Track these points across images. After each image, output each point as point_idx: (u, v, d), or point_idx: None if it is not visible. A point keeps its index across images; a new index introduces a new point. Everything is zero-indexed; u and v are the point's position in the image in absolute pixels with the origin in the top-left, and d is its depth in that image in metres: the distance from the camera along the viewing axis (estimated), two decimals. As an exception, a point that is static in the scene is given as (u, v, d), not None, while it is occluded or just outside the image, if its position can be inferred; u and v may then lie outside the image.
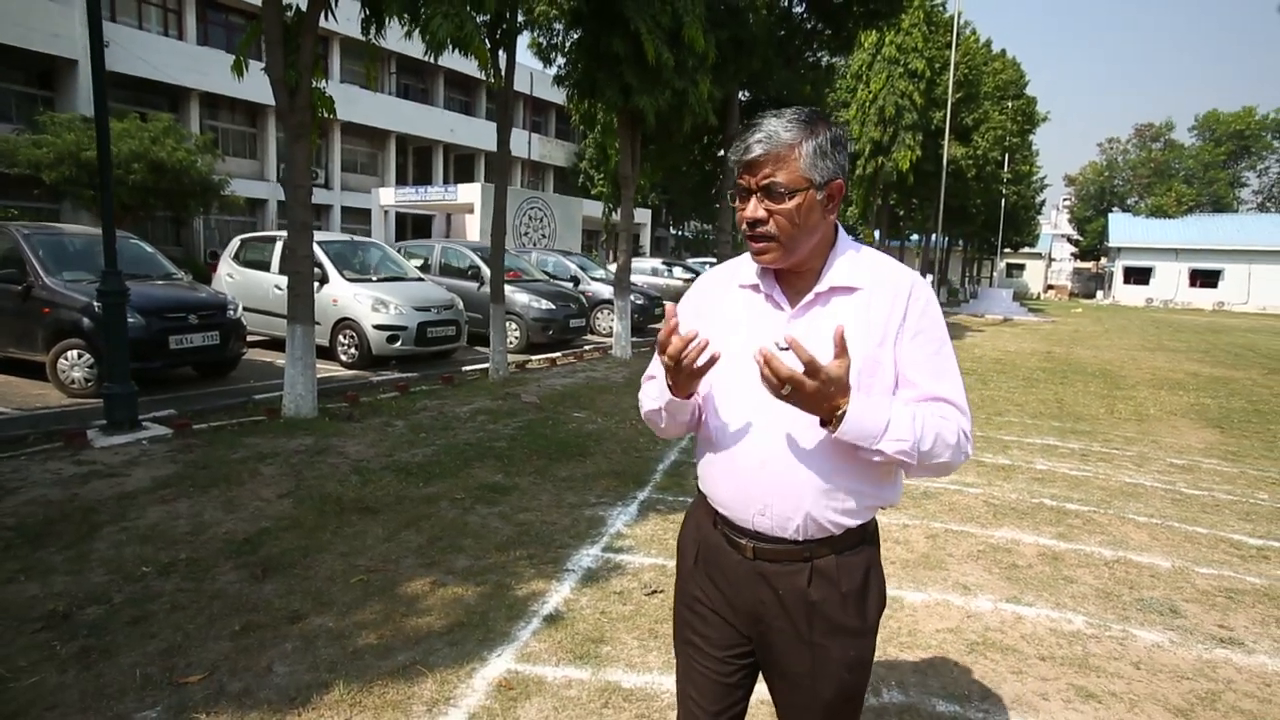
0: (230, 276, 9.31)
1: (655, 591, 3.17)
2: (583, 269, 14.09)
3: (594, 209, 26.49)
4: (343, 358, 8.61)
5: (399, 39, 6.38)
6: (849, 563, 1.31)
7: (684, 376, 1.24)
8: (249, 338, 7.86)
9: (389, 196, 23.86)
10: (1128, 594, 3.34)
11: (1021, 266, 57.99)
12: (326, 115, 5.86)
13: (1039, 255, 57.66)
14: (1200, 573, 3.62)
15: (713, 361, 1.23)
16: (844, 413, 1.16)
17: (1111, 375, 11.14)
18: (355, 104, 23.64)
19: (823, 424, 1.19)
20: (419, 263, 11.16)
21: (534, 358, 9.70)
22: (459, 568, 3.34)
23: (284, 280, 8.67)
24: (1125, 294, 45.92)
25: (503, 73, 7.60)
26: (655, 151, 10.97)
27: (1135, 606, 3.22)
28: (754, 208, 1.25)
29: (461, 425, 5.91)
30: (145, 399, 5.62)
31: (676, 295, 16.96)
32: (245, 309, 7.97)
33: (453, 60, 5.45)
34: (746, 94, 12.94)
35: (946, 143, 21.22)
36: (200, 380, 7.44)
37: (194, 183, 17.03)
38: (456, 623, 2.85)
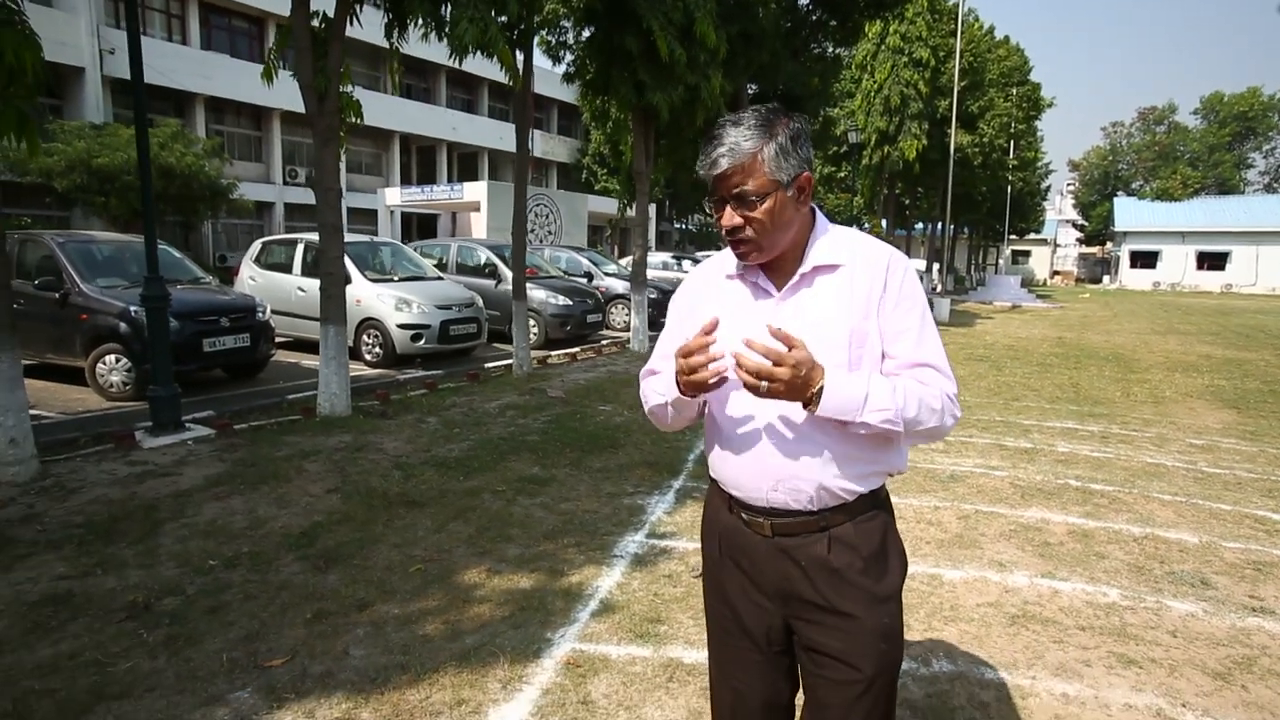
0: (253, 279, 9.45)
1: (702, 574, 3.29)
2: (595, 264, 14.21)
3: (598, 204, 26.57)
4: (367, 357, 8.75)
5: (398, 37, 6.37)
6: (865, 528, 1.37)
7: (693, 386, 1.30)
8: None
9: (395, 196, 23.98)
10: (1159, 568, 3.45)
11: (1027, 253, 57.87)
12: (354, 119, 5.97)
13: (1044, 241, 57.52)
14: (1228, 547, 3.73)
15: (722, 381, 1.28)
16: (820, 389, 1.22)
17: (1124, 359, 11.21)
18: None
19: (805, 406, 1.25)
20: (434, 262, 11.28)
21: (554, 353, 9.83)
22: (510, 556, 3.47)
23: (306, 282, 8.86)
24: (1132, 278, 45.80)
25: (520, 73, 7.68)
26: (667, 146, 11.06)
27: (1167, 579, 3.33)
28: (729, 216, 1.30)
29: (493, 420, 6.04)
30: (183, 401, 5.76)
31: (687, 289, 17.05)
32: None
33: (453, 59, 5.53)
34: (755, 87, 13.00)
35: (953, 131, 21.19)
36: (230, 382, 7.58)
37: (203, 187, 17.18)
38: (516, 608, 2.98)
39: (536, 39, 10.15)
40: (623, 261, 16.16)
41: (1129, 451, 5.60)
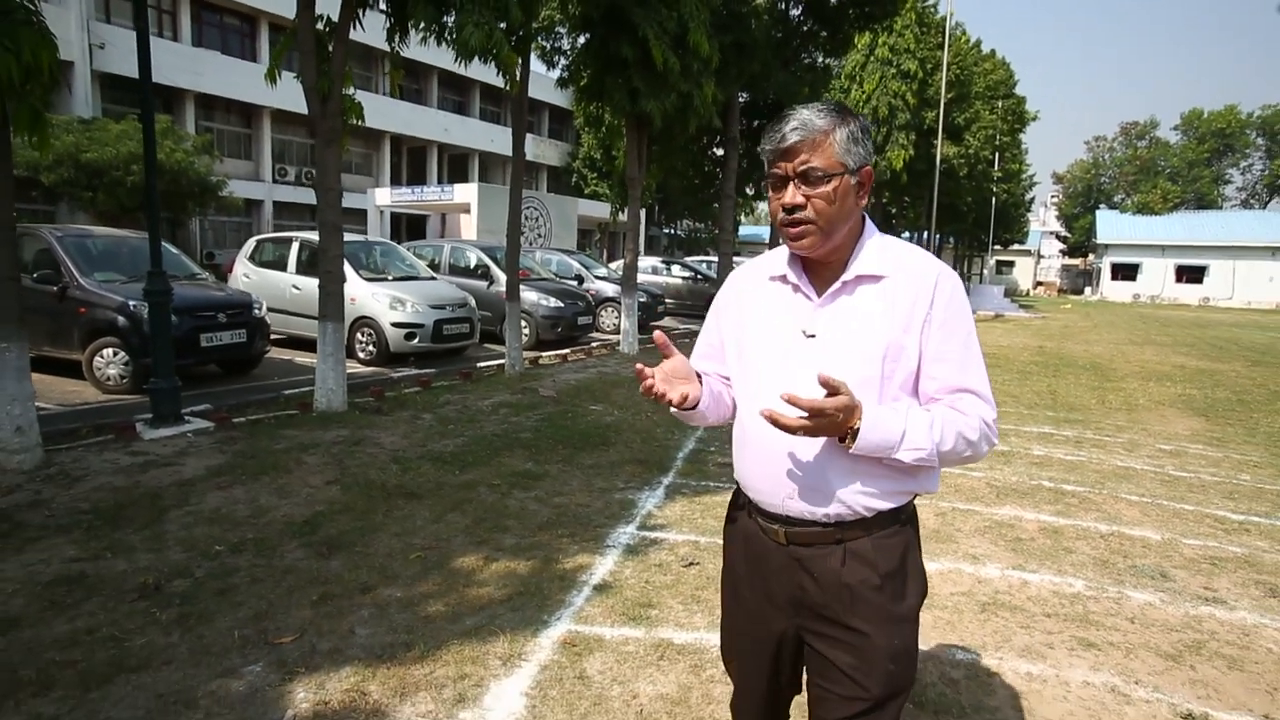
0: (247, 277, 9.52)
1: (692, 563, 3.44)
2: (585, 267, 14.36)
3: (588, 208, 26.71)
4: (361, 355, 8.84)
5: (399, 41, 6.46)
6: (885, 544, 1.33)
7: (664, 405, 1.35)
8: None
9: (385, 197, 23.97)
10: (1122, 562, 3.65)
11: (1011, 263, 58.62)
12: (356, 121, 6.10)
13: (1028, 252, 58.31)
14: (1187, 544, 3.94)
15: (684, 399, 1.33)
16: (857, 428, 1.21)
17: (1102, 368, 11.51)
18: (352, 105, 23.71)
19: (840, 440, 1.25)
20: (427, 262, 11.38)
21: (546, 354, 9.97)
22: (507, 545, 3.61)
23: (301, 280, 8.94)
24: (1113, 290, 46.58)
25: (518, 78, 7.83)
26: (659, 153, 11.25)
27: (1129, 572, 3.53)
28: (791, 194, 1.27)
29: (486, 418, 6.17)
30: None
31: (675, 292, 17.27)
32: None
33: (445, 61, 5.67)
34: (746, 96, 13.24)
35: (940, 142, 21.59)
36: (225, 377, 7.66)
37: (192, 184, 17.14)
38: (514, 592, 3.12)
39: (532, 44, 10.33)
40: (612, 265, 16.32)
41: (1101, 455, 5.83)
